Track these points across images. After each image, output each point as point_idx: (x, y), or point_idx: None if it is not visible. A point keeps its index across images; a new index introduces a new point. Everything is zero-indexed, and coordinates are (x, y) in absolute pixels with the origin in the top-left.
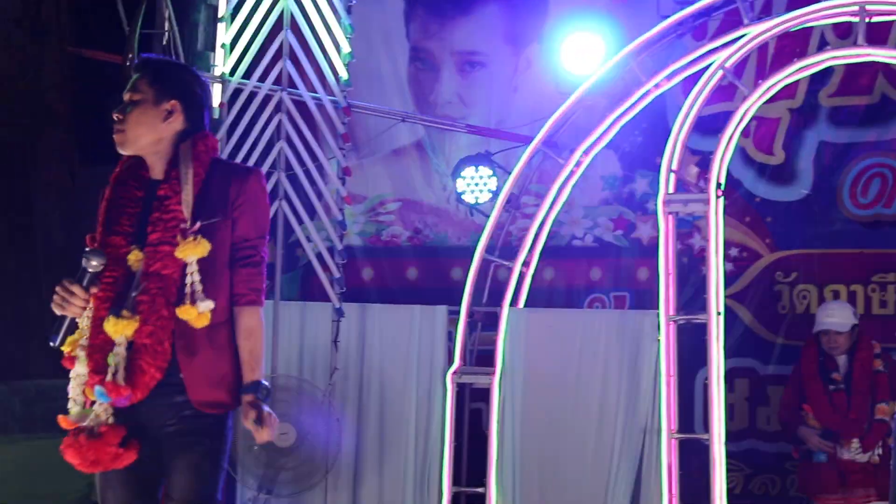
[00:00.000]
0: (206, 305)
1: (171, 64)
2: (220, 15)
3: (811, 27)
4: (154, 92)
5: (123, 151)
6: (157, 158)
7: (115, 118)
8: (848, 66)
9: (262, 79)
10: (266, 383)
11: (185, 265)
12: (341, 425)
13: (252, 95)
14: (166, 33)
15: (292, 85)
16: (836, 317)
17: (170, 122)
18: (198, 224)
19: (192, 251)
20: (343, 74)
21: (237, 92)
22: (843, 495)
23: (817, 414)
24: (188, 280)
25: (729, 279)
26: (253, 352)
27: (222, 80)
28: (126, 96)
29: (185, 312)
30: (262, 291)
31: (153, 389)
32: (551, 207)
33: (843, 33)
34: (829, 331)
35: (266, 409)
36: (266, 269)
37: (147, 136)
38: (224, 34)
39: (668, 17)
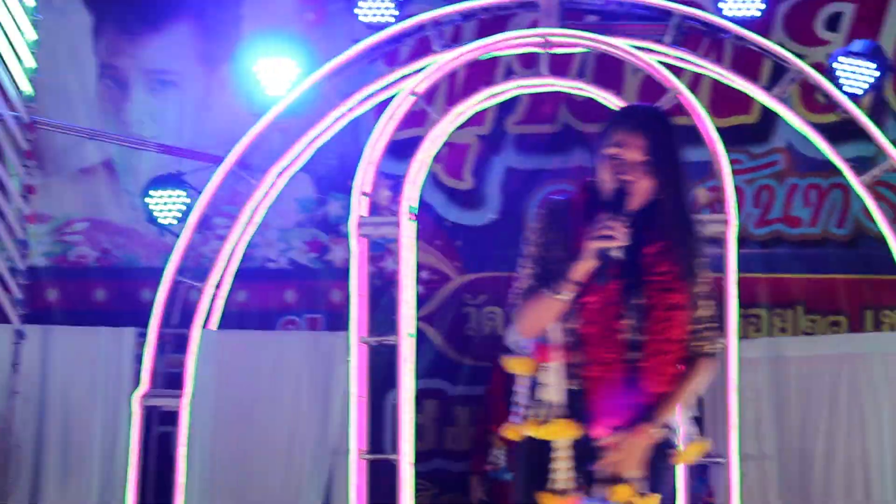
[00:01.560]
0: None
1: None
2: None
3: (499, 56)
4: None
5: None
6: None
7: None
8: (533, 94)
9: None
10: None
11: None
12: (21, 451)
13: None
14: None
15: None
16: (510, 336)
17: None
18: None
19: None
20: (27, 89)
21: None
22: None
23: (500, 433)
24: None
25: (420, 301)
26: None
27: None
28: None
29: None
30: None
31: None
32: (245, 229)
33: (529, 63)
34: None
35: None
36: None
37: None
38: None
39: (361, 41)
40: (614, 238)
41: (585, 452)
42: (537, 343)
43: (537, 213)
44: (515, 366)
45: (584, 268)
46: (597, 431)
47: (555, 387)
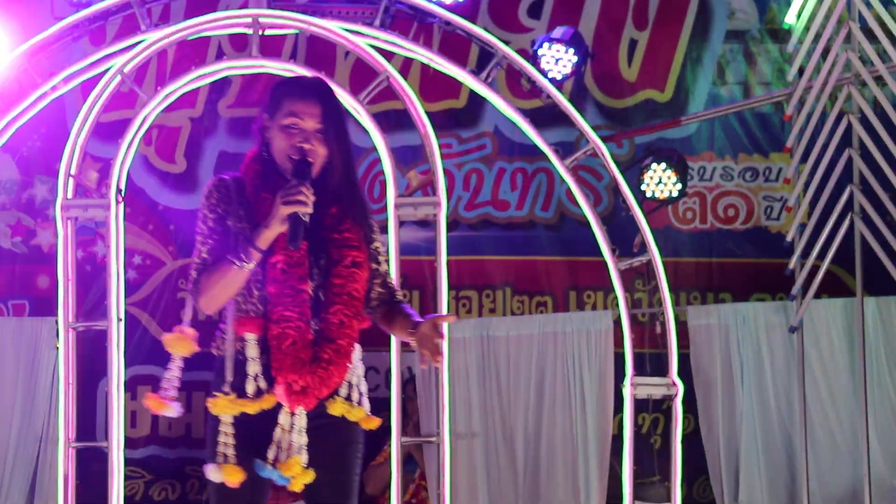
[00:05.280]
0: None
1: None
2: None
3: (210, 37)
4: None
5: None
6: None
7: None
8: (245, 77)
9: None
10: None
11: None
12: None
13: None
14: None
15: None
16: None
17: None
18: None
19: None
20: None
21: None
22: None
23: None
24: None
25: (133, 287)
26: None
27: None
28: None
29: None
30: None
31: None
32: None
33: (241, 45)
34: None
35: None
36: None
37: None
38: None
39: (64, 18)
40: (306, 203)
41: (265, 424)
42: (237, 317)
43: (208, 190)
44: (173, 345)
45: (271, 234)
46: (279, 392)
47: (254, 360)
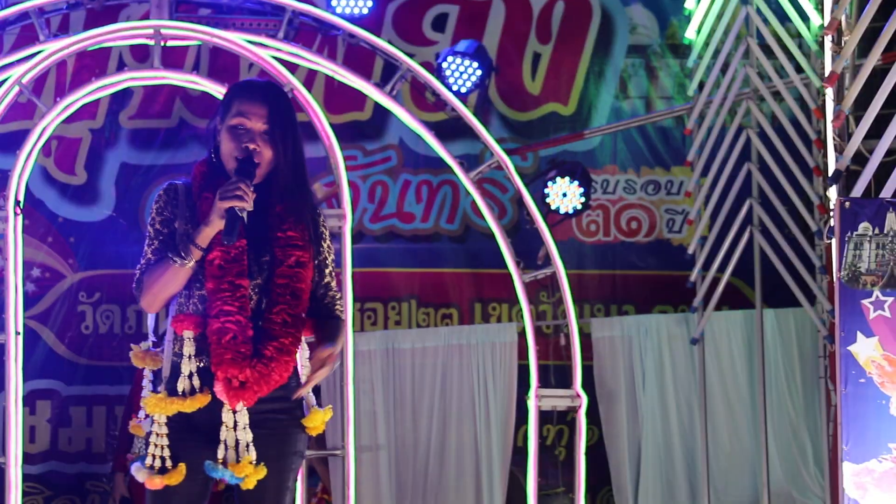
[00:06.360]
0: None
1: None
2: None
3: (111, 48)
4: None
5: None
6: None
7: None
8: (147, 88)
9: None
10: None
11: None
12: None
13: None
14: None
15: None
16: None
17: None
18: None
19: None
20: None
21: None
22: None
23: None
24: None
25: (31, 300)
26: None
27: None
28: None
29: None
30: None
31: None
32: None
33: (142, 56)
34: None
35: None
36: None
37: None
38: None
39: None
40: (244, 199)
41: (208, 423)
42: (175, 315)
43: (157, 196)
44: (139, 361)
45: (211, 230)
46: (218, 388)
47: (190, 359)
